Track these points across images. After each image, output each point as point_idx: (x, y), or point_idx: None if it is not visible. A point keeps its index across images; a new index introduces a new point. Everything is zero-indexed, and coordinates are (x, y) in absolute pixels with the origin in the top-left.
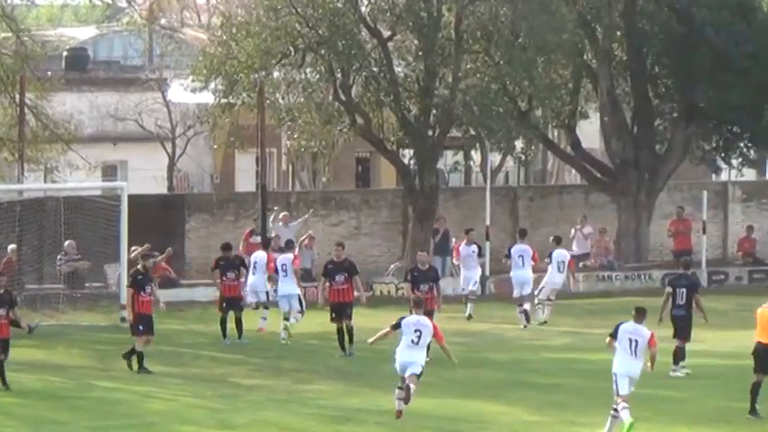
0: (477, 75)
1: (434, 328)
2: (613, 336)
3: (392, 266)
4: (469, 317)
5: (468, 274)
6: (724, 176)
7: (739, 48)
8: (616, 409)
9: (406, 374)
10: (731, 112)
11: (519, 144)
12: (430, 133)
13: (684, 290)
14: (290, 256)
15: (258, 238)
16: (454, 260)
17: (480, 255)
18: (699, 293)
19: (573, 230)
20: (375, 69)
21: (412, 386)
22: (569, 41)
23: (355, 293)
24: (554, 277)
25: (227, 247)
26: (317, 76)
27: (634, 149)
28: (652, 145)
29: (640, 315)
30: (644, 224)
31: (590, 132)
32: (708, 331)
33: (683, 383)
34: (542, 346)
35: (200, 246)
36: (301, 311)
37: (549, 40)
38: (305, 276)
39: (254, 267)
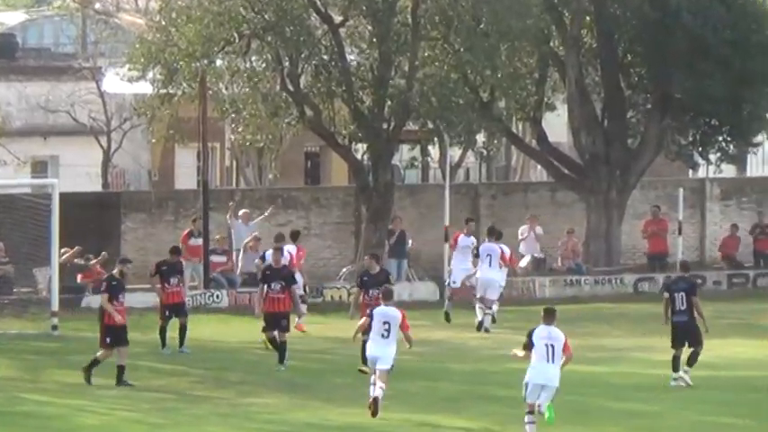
0: (436, 63)
1: (403, 318)
2: (528, 346)
3: (344, 270)
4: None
5: (462, 269)
6: (701, 173)
7: (718, 34)
8: (531, 414)
9: (376, 368)
10: (709, 103)
11: (480, 138)
12: (385, 126)
13: (683, 294)
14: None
15: (199, 240)
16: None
17: (476, 253)
18: (697, 296)
19: (522, 231)
20: (326, 57)
21: (381, 387)
22: (535, 27)
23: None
24: (485, 273)
25: (175, 251)
26: (264, 65)
27: (605, 144)
28: (624, 139)
29: (549, 316)
30: (615, 224)
31: (557, 125)
32: None
33: (656, 397)
34: (506, 356)
35: (138, 248)
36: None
37: (513, 25)
38: (248, 281)
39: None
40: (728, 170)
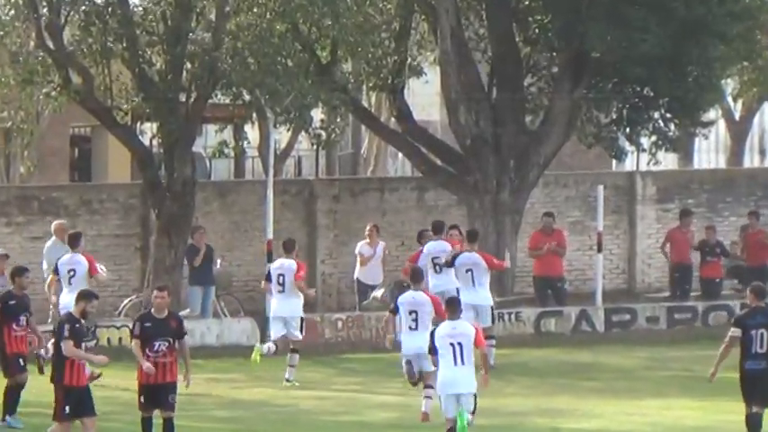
0: (255, 9)
1: (434, 302)
2: (432, 350)
3: (126, 302)
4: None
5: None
6: (630, 164)
7: None
8: None
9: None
10: (640, 64)
11: (318, 115)
12: (183, 99)
13: (764, 332)
14: (291, 264)
15: None
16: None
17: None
18: None
19: (360, 247)
20: (99, 1)
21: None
22: None
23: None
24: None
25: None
26: (12, 12)
27: (493, 123)
28: (520, 116)
29: (452, 307)
30: (508, 237)
31: (426, 97)
32: (607, 400)
33: None
34: (354, 423)
35: None
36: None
37: None
38: None
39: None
40: (668, 160)
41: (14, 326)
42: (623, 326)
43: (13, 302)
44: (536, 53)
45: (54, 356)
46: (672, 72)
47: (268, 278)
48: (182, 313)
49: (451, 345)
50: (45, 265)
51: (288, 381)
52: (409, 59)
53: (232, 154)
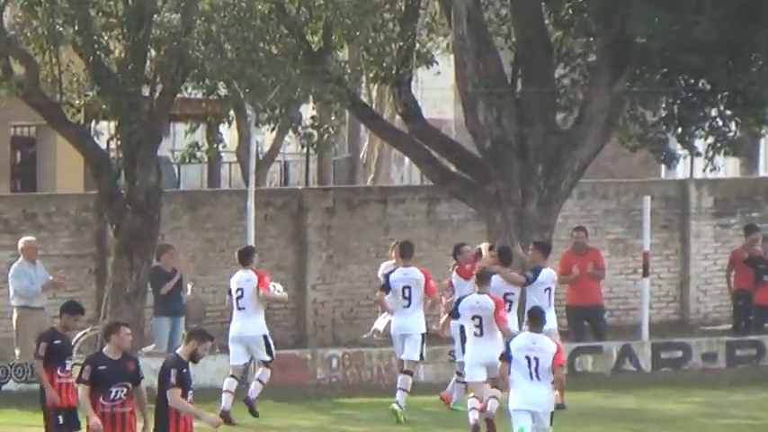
0: None
1: (497, 305)
2: (506, 358)
3: (79, 336)
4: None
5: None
6: (682, 171)
7: None
8: None
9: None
10: (694, 52)
11: (308, 112)
12: (146, 93)
13: None
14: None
15: None
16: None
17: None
18: None
19: (386, 268)
20: None
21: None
22: None
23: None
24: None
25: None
26: None
27: (518, 122)
28: (550, 114)
29: (537, 321)
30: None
31: (437, 91)
32: None
33: None
34: None
35: None
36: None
37: None
38: None
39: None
40: (728, 166)
41: (59, 372)
42: (674, 364)
43: (58, 342)
44: (569, 38)
45: (157, 407)
46: (732, 61)
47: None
48: (146, 349)
49: (527, 358)
50: (12, 292)
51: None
52: (417, 46)
53: (205, 158)
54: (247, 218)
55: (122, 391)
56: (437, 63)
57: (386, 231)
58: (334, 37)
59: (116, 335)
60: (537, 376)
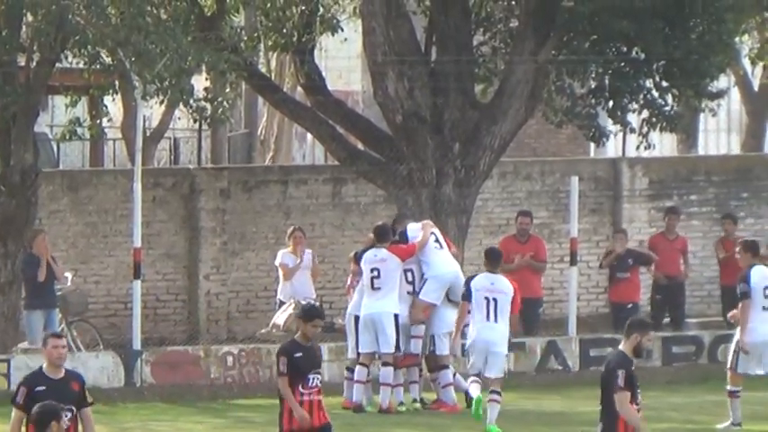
0: None
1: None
2: (466, 297)
3: None
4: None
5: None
6: (613, 150)
7: None
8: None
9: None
10: (627, 17)
11: (200, 83)
12: (22, 63)
13: None
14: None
15: None
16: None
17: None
18: None
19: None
20: None
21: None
22: None
23: None
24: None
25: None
26: None
27: (432, 94)
28: (468, 85)
29: (493, 261)
30: (452, 244)
31: (343, 60)
32: None
33: None
34: None
35: None
36: None
37: None
38: None
39: None
40: (665, 144)
41: (301, 387)
42: (597, 360)
43: (299, 355)
44: (489, 1)
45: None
46: (668, 27)
47: None
48: (21, 346)
49: (486, 299)
50: None
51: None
52: (321, 10)
53: (87, 135)
54: (134, 200)
55: (67, 415)
56: (342, 29)
57: (286, 215)
58: (228, 1)
59: (50, 348)
60: (495, 317)
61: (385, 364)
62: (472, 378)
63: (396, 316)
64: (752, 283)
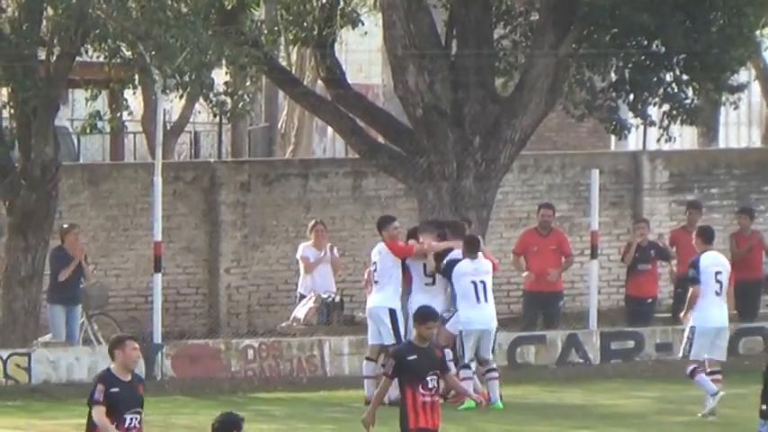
0: None
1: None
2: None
3: None
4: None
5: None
6: (634, 143)
7: None
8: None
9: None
10: (648, 11)
11: (221, 77)
12: (42, 56)
13: None
14: None
15: None
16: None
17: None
18: None
19: (304, 251)
20: None
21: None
22: None
23: None
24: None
25: None
26: None
27: (452, 88)
28: (489, 79)
29: (472, 248)
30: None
31: (364, 54)
32: None
33: None
34: None
35: None
36: None
37: None
38: None
39: None
40: (685, 137)
41: (420, 389)
42: (625, 356)
43: (413, 358)
44: None
45: None
46: (689, 20)
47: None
48: (41, 339)
49: (473, 283)
50: None
51: None
52: (342, 4)
53: (108, 129)
54: (154, 194)
55: (136, 418)
56: (363, 23)
57: (307, 209)
58: None
59: (126, 350)
60: (485, 297)
61: None
62: (467, 374)
63: (391, 310)
64: (701, 268)
